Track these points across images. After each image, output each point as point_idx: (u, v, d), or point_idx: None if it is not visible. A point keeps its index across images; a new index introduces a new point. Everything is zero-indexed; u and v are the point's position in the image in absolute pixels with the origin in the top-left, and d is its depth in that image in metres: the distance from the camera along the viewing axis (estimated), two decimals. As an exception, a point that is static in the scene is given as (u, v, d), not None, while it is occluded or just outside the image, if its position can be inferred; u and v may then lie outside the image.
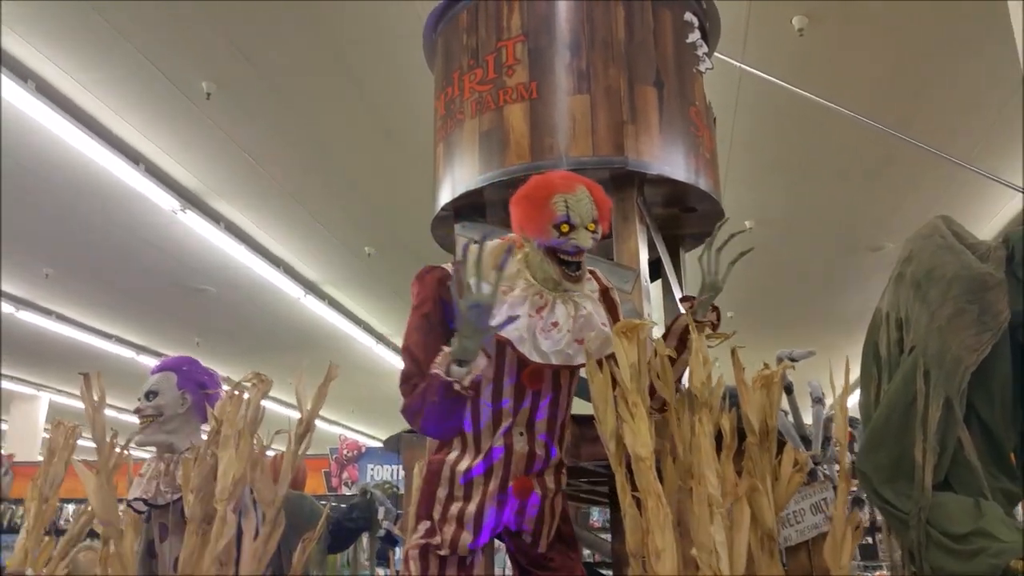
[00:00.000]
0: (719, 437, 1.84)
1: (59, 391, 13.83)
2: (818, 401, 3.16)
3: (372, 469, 12.04)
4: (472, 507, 1.84)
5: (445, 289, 1.77)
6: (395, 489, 4.23)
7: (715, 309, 1.96)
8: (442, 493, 1.88)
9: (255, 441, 1.91)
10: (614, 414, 1.71)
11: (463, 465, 1.86)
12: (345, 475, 11.91)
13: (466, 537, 1.83)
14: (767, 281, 9.32)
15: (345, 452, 12.19)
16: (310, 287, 9.30)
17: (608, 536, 2.93)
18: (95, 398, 1.92)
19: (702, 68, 3.16)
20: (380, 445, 15.28)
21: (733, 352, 1.93)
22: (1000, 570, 1.58)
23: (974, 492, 1.79)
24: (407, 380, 1.77)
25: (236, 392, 1.95)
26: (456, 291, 1.61)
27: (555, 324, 1.80)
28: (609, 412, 1.71)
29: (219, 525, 1.79)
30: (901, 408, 1.90)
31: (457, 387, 1.64)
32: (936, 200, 6.59)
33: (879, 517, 5.87)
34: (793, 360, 3.13)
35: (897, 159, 6.35)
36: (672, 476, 1.83)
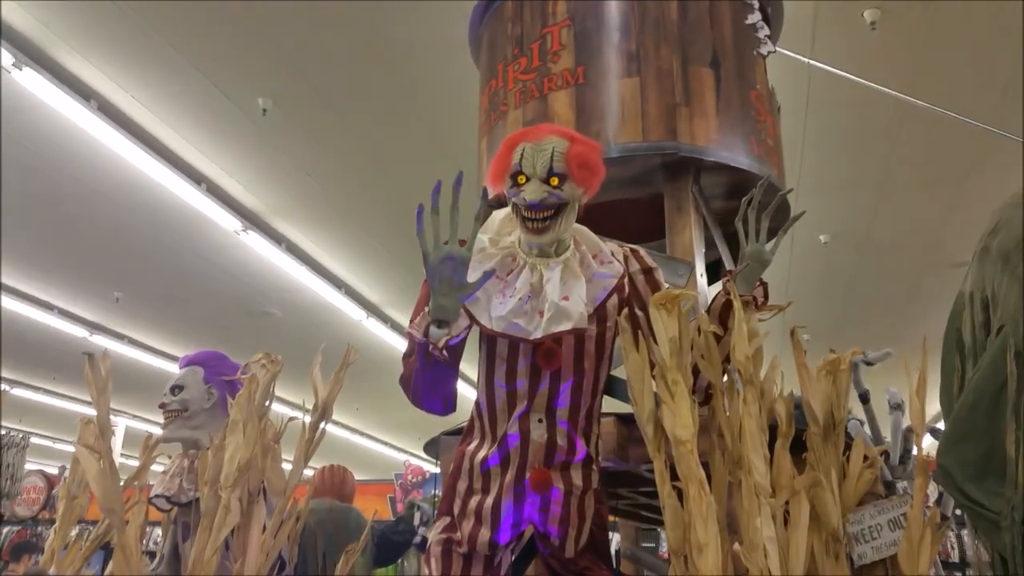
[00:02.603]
0: (774, 429, 1.64)
1: (135, 416, 14.17)
2: (897, 408, 2.89)
3: (436, 493, 11.96)
4: (489, 500, 1.70)
5: None
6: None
7: (762, 284, 1.76)
8: (462, 486, 1.76)
9: (264, 427, 1.78)
10: (651, 394, 1.52)
11: (480, 455, 1.74)
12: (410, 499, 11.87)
13: (484, 533, 1.68)
14: (842, 301, 8.89)
15: (410, 477, 12.17)
16: (372, 309, 9.29)
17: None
18: (100, 380, 1.83)
19: (763, 51, 2.97)
20: (445, 473, 15.20)
21: (793, 332, 1.72)
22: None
23: (1074, 490, 1.53)
24: (406, 356, 1.67)
25: (250, 376, 1.83)
26: (427, 244, 1.48)
27: (514, 290, 1.65)
28: (646, 392, 1.52)
29: (221, 514, 1.66)
30: (989, 395, 1.65)
31: (432, 349, 1.51)
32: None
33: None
34: (869, 363, 2.88)
35: (984, 165, 5.97)
36: (721, 471, 1.62)
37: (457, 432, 2.68)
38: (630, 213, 3.10)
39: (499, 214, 1.80)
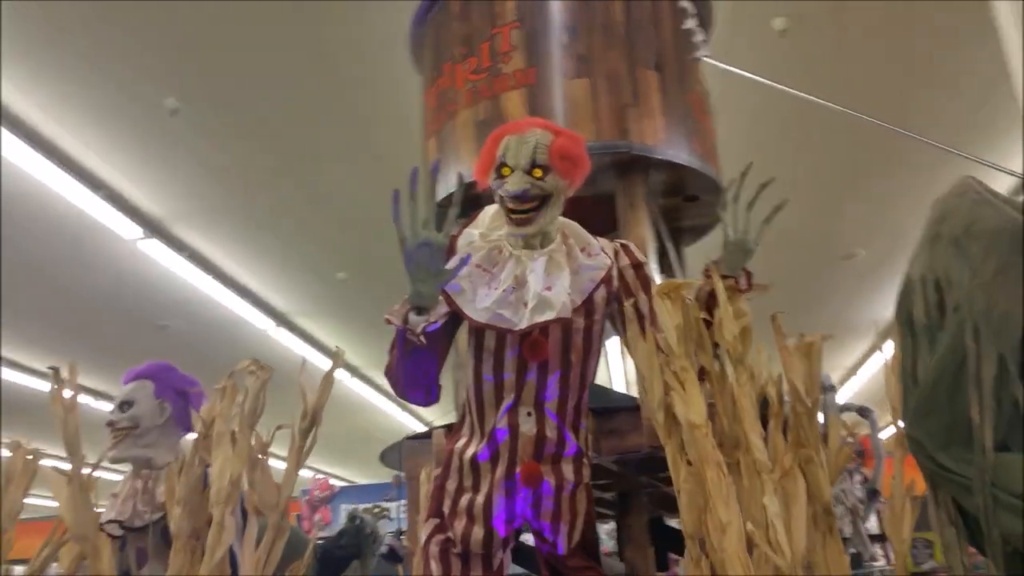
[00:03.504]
0: (765, 412, 1.72)
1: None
2: (830, 389, 3.07)
3: (346, 509, 11.72)
4: (481, 498, 1.70)
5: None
6: (385, 512, 4.02)
7: (746, 272, 1.83)
8: (451, 485, 1.75)
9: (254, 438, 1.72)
10: (661, 382, 1.57)
11: (470, 451, 1.73)
12: (318, 517, 11.57)
13: (477, 532, 1.68)
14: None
15: (317, 493, 11.85)
16: (281, 319, 9.02)
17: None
18: (67, 394, 1.72)
19: (700, 55, 3.10)
20: (352, 484, 14.89)
21: (774, 318, 1.81)
22: (1079, 526, 1.46)
23: (1034, 452, 1.69)
24: (391, 349, 1.67)
25: (229, 385, 1.76)
26: (404, 230, 1.47)
27: (499, 282, 1.68)
28: (656, 380, 1.57)
29: (215, 533, 1.59)
30: (951, 370, 1.79)
31: (410, 335, 1.52)
32: (916, 203, 6.55)
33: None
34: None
35: (873, 164, 6.38)
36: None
37: (422, 436, 2.67)
38: (576, 211, 3.16)
39: (490, 209, 1.81)
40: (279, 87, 5.18)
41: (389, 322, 1.57)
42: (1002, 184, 5.18)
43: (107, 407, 2.35)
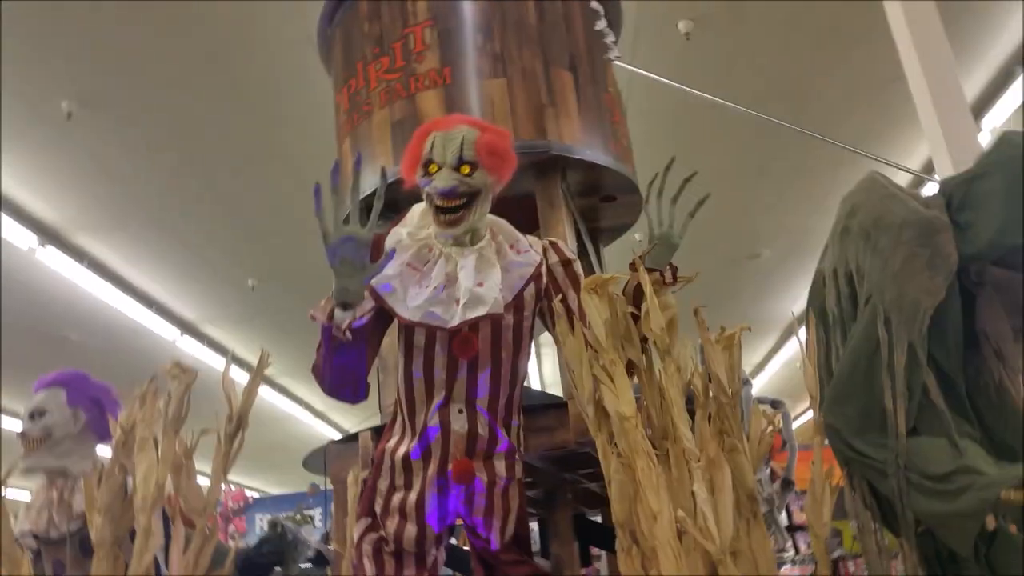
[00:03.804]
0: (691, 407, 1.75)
1: None
2: (746, 383, 3.16)
3: (261, 520, 11.44)
4: (413, 496, 1.70)
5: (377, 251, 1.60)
6: (309, 519, 3.94)
7: (671, 266, 1.87)
8: (383, 484, 1.74)
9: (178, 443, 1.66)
10: (590, 376, 1.58)
11: (401, 450, 1.73)
12: (232, 528, 11.24)
13: (411, 530, 1.68)
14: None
15: (231, 504, 11.52)
16: (187, 327, 8.71)
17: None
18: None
19: (611, 56, 3.14)
20: (266, 495, 14.52)
21: (696, 311, 1.85)
22: (990, 503, 1.54)
23: (943, 436, 1.77)
24: (317, 347, 1.64)
25: (150, 390, 1.69)
26: (327, 224, 1.45)
27: (430, 280, 1.67)
28: (585, 374, 1.58)
29: (142, 539, 1.52)
30: (865, 358, 1.87)
31: (336, 332, 1.51)
32: (818, 203, 6.80)
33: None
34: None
35: (774, 166, 6.61)
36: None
37: (349, 439, 2.62)
38: (498, 211, 3.16)
39: (418, 208, 1.79)
40: (181, 88, 5.01)
41: (314, 318, 1.54)
42: (902, 182, 5.44)
43: (13, 423, 2.25)
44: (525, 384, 2.58)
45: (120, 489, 1.76)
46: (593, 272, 3.06)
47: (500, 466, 1.75)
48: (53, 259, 6.67)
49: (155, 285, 7.83)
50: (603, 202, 3.13)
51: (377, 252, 1.57)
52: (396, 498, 1.71)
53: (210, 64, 4.80)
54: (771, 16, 4.79)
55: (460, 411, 1.71)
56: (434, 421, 1.71)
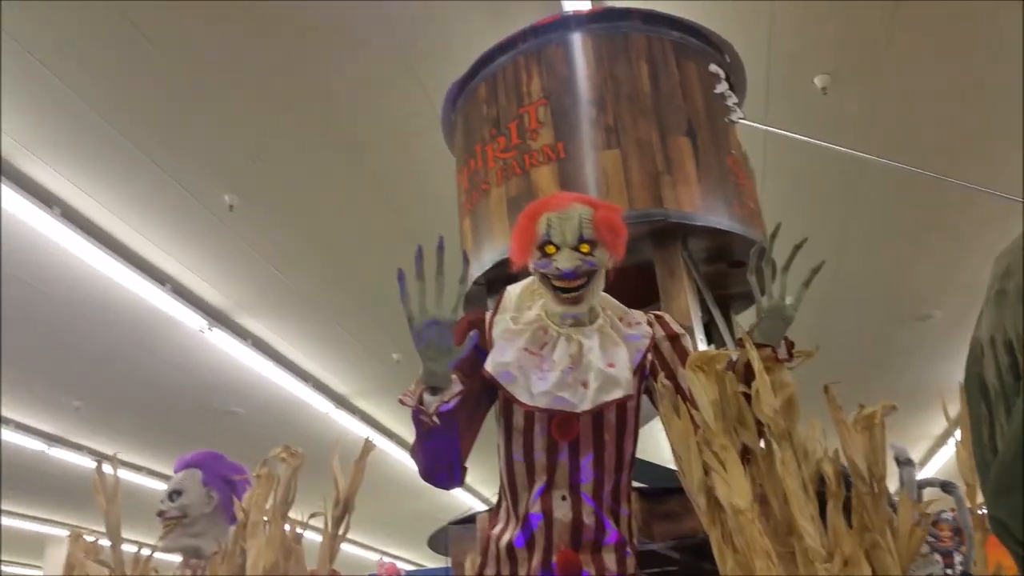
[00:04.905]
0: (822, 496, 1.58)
1: (100, 532, 13.40)
2: (907, 463, 2.84)
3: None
4: None
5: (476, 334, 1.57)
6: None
7: (787, 341, 1.72)
8: (490, 572, 1.67)
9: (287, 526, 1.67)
10: (700, 462, 1.45)
11: (506, 537, 1.65)
12: (388, 600, 11.35)
13: None
14: (807, 364, 8.96)
15: (383, 576, 11.67)
16: (340, 401, 9.08)
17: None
18: (108, 486, 1.71)
19: (734, 118, 3.04)
20: (421, 568, 14.64)
21: (827, 388, 1.68)
22: None
23: None
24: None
25: (264, 473, 1.73)
26: (412, 309, 1.43)
27: (553, 363, 1.60)
28: (694, 460, 1.46)
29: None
30: (1030, 439, 1.63)
31: (423, 417, 1.46)
32: (988, 259, 6.26)
33: None
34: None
35: (937, 218, 6.15)
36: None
37: (467, 520, 2.57)
38: (618, 282, 3.10)
39: (513, 290, 1.76)
40: (324, 180, 5.33)
41: (403, 403, 1.52)
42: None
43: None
44: (652, 460, 2.45)
45: (240, 570, 1.79)
46: (723, 343, 2.90)
47: (610, 559, 1.63)
48: (220, 339, 7.16)
49: (310, 362, 8.24)
50: (731, 268, 2.99)
51: (462, 333, 1.55)
52: None
53: (346, 155, 5.09)
54: (910, 61, 4.51)
55: (563, 498, 1.62)
56: (536, 508, 1.62)
